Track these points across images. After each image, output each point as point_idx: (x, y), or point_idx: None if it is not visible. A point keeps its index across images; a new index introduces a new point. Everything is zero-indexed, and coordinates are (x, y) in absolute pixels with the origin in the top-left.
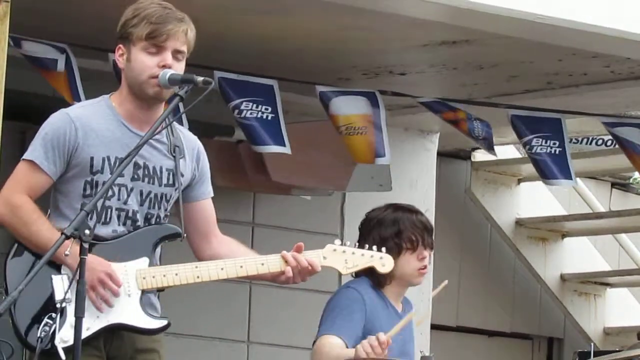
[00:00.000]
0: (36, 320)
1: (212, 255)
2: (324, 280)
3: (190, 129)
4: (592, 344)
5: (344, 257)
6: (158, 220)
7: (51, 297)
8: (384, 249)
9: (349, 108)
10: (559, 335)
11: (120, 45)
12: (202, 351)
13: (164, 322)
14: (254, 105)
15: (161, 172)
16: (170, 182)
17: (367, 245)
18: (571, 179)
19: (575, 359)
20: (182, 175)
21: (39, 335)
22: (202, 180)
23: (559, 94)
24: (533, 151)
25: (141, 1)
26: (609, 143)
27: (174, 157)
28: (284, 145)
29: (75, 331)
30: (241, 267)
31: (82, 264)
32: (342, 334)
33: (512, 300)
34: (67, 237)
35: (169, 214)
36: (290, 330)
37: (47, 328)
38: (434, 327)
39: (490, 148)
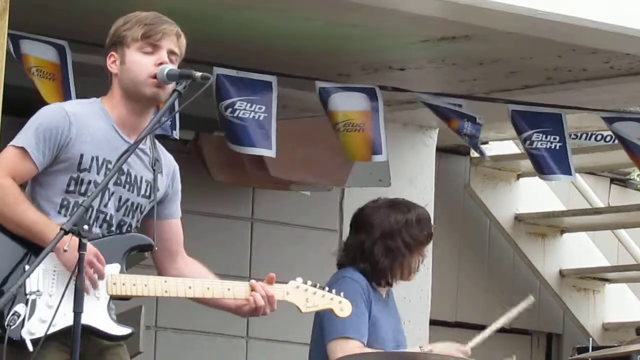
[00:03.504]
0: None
1: (176, 275)
2: (323, 277)
3: (188, 125)
4: (590, 339)
5: (305, 295)
6: (129, 229)
7: (21, 286)
8: (342, 294)
9: (348, 104)
10: (558, 330)
11: (113, 52)
12: (202, 346)
13: (129, 331)
14: (248, 105)
15: (141, 182)
16: (147, 193)
17: (326, 288)
18: (570, 174)
19: (573, 355)
20: (158, 190)
21: (6, 323)
22: (175, 199)
23: (558, 89)
24: (533, 146)
25: (130, 13)
26: (608, 139)
27: (154, 170)
28: (270, 148)
29: (74, 326)
30: (208, 288)
31: (80, 260)
32: (361, 335)
33: (511, 295)
34: (67, 233)
35: (138, 226)
36: (288, 326)
37: (15, 317)
38: (432, 322)
39: (475, 148)
